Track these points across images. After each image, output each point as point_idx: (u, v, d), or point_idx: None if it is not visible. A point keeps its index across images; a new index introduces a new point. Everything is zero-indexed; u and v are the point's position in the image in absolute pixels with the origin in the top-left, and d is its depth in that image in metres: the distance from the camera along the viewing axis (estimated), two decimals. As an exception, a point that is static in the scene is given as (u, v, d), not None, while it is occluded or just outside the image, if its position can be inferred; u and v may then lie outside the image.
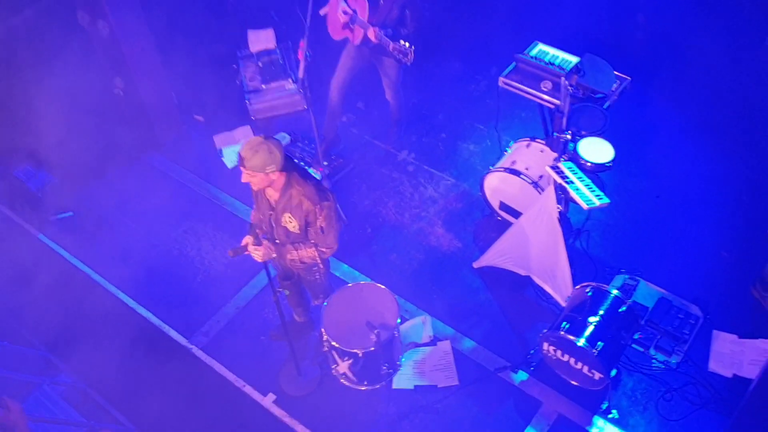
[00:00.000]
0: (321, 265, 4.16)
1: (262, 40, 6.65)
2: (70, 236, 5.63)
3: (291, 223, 3.87)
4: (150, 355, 4.83)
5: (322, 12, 5.31)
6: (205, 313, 5.09)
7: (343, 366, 4.32)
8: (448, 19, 7.25)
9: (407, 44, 4.81)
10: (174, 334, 4.99)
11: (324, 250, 3.96)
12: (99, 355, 4.80)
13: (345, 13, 5.13)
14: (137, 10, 5.55)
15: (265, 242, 3.85)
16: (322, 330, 4.27)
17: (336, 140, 6.01)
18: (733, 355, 4.66)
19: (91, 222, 5.72)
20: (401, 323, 4.67)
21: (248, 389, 4.68)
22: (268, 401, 4.63)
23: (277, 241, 4.03)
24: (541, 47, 5.09)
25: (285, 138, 6.14)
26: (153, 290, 5.25)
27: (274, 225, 3.97)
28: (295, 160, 3.94)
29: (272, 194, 3.85)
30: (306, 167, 4.00)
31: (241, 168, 3.63)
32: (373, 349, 4.14)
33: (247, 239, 3.83)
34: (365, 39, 5.08)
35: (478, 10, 7.29)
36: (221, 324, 5.03)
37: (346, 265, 5.30)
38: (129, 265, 5.41)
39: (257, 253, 3.82)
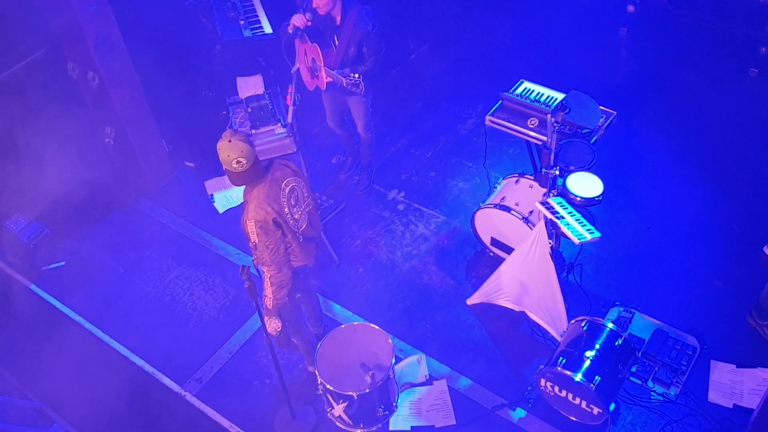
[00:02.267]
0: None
1: (250, 86, 6.74)
2: (62, 286, 5.60)
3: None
4: (143, 403, 4.76)
5: (293, 70, 5.39)
6: (198, 358, 5.04)
7: (339, 409, 4.27)
8: (435, 59, 7.38)
9: (356, 75, 4.94)
10: (167, 381, 4.93)
11: (263, 269, 3.97)
12: (92, 404, 4.73)
13: (309, 67, 5.29)
14: (126, 61, 5.63)
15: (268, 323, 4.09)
16: (316, 373, 4.23)
17: (357, 152, 6.24)
18: (732, 384, 4.61)
19: (83, 271, 5.70)
20: (396, 363, 4.63)
21: (243, 436, 4.62)
22: (263, 447, 4.56)
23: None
24: (527, 85, 5.18)
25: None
26: (145, 337, 5.19)
27: None
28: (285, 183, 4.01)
29: None
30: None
31: None
32: (368, 390, 4.10)
33: None
34: (330, 83, 5.21)
35: (464, 50, 7.42)
36: (214, 369, 4.97)
37: (338, 306, 5.28)
38: (121, 312, 5.37)
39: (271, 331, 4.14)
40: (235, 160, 3.71)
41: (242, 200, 3.97)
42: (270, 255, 3.89)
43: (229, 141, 3.71)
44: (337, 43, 5.14)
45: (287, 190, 3.95)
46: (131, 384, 4.90)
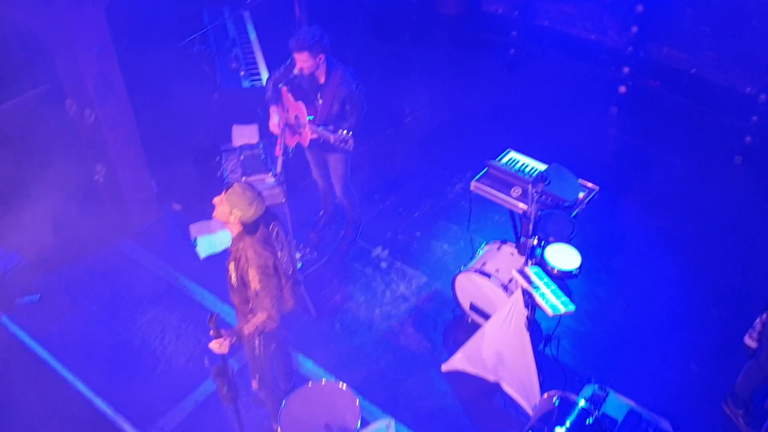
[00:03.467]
0: (259, 337, 4.07)
1: (245, 135, 6.82)
2: (33, 319, 5.52)
3: (232, 274, 3.94)
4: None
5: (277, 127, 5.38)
6: (163, 406, 4.92)
7: (298, 469, 4.15)
8: (429, 123, 7.49)
9: (345, 132, 4.95)
10: (128, 428, 4.81)
11: (259, 315, 3.90)
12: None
13: (291, 124, 5.32)
14: (124, 100, 5.70)
15: (220, 339, 3.77)
16: (278, 430, 4.13)
17: (334, 214, 6.24)
18: (705, 473, 4.51)
19: (57, 306, 5.63)
20: (364, 426, 4.52)
21: (201, 490, 4.48)
22: (221, 504, 4.42)
23: (232, 299, 4.09)
24: (513, 154, 5.28)
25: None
26: (111, 380, 5.09)
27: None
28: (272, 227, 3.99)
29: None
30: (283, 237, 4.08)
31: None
32: (329, 453, 4.00)
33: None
34: (312, 139, 5.23)
35: (458, 116, 7.55)
36: (178, 419, 4.86)
37: (311, 362, 5.19)
38: (89, 352, 5.28)
39: (215, 346, 3.79)
40: (261, 210, 3.78)
41: (225, 246, 3.97)
42: (271, 300, 3.89)
43: (258, 194, 3.78)
44: (320, 101, 5.19)
45: (274, 235, 3.97)
46: (92, 428, 4.78)
